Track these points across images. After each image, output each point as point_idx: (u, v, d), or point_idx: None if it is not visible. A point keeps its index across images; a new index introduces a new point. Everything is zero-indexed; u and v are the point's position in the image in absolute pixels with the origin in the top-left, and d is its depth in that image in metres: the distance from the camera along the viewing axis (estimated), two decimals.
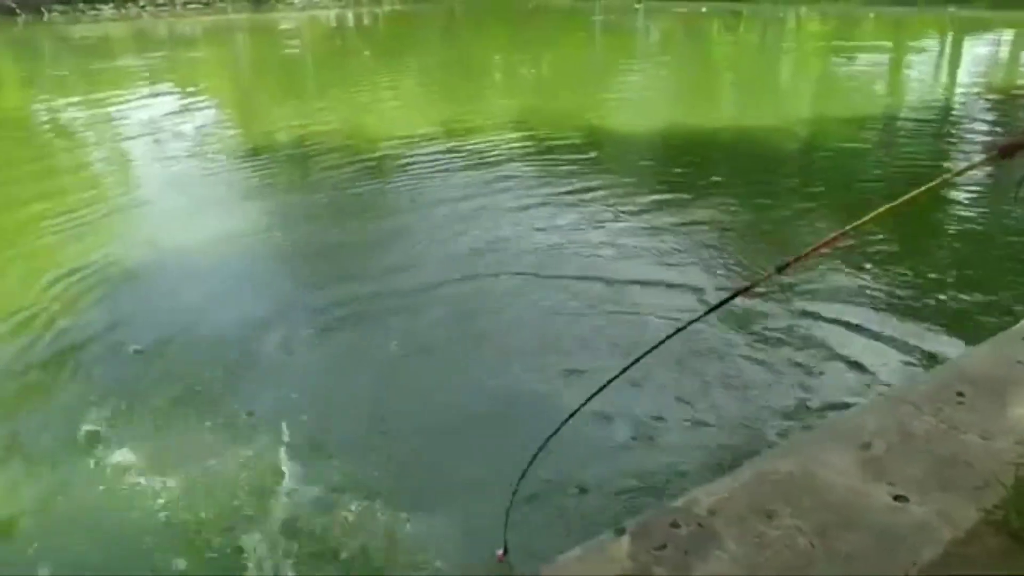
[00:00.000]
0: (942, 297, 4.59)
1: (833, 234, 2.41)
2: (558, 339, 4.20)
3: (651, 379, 3.65)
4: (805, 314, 4.38)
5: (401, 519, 2.83)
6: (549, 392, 3.66)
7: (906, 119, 10.57)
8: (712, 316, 3.50)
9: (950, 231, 5.88)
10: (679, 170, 8.11)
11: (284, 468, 3.14)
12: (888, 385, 3.50)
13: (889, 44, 20.45)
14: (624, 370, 2.42)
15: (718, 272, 5.09)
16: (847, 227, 2.41)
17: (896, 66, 16.59)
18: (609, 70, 17.34)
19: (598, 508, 2.84)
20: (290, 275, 5.48)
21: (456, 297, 4.79)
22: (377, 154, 8.81)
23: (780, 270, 2.43)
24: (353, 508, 2.89)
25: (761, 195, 6.81)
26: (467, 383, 3.85)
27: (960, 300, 4.55)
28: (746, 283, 2.72)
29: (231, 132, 11.12)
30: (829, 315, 4.34)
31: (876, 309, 4.43)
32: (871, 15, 25.11)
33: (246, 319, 4.55)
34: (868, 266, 5.00)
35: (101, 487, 3.09)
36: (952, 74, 15.24)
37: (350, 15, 34.59)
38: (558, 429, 2.42)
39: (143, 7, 34.45)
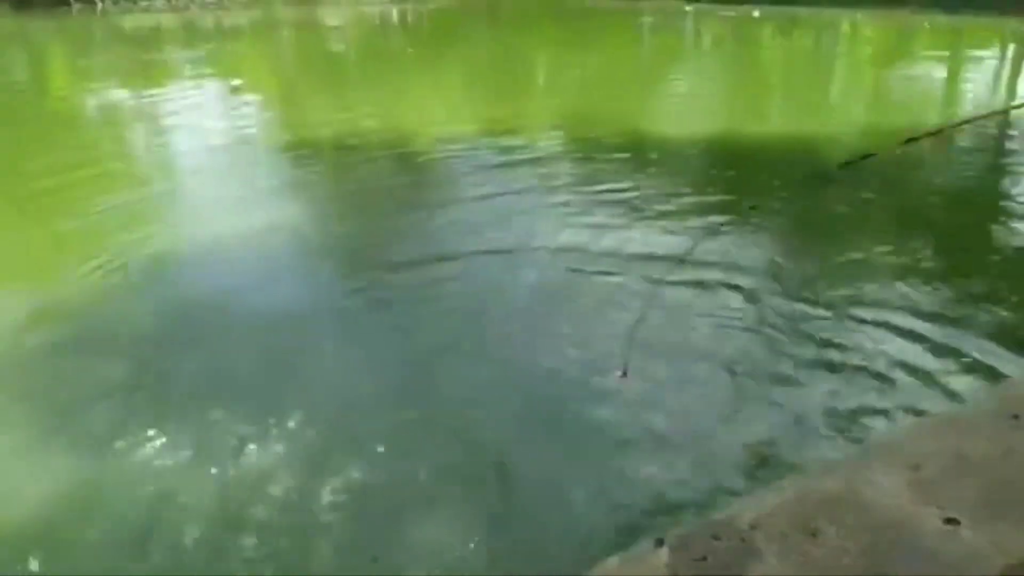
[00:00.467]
0: (1000, 312, 4.43)
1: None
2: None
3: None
4: (856, 320, 4.28)
5: None
6: None
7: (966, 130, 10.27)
8: (763, 318, 3.52)
9: (1011, 245, 5.70)
10: (727, 175, 7.99)
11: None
12: (940, 403, 3.40)
13: (946, 53, 19.92)
14: None
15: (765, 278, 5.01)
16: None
17: (953, 76, 16.13)
18: (656, 73, 17.18)
19: None
20: (327, 263, 5.56)
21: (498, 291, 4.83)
22: (418, 150, 8.86)
23: (908, 142, 2.46)
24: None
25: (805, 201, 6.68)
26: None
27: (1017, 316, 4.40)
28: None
29: (274, 125, 11.27)
30: (881, 323, 4.23)
31: (932, 322, 4.29)
32: (926, 24, 24.47)
33: (288, 306, 4.63)
34: (923, 278, 4.87)
35: (132, 476, 3.12)
36: (1011, 85, 14.78)
37: (395, 12, 34.85)
38: None
39: (193, 0, 35.20)
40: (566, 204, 6.57)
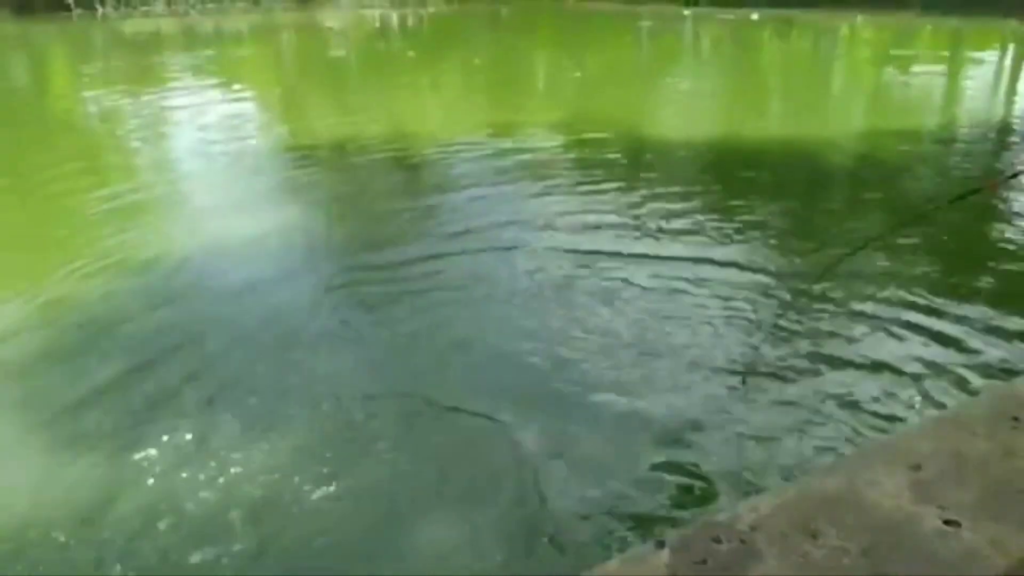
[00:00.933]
0: (1004, 312, 4.43)
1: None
2: None
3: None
4: (860, 316, 4.31)
5: None
6: None
7: (963, 133, 10.28)
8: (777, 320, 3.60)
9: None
10: (727, 177, 8.00)
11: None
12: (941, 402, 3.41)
13: (946, 54, 19.94)
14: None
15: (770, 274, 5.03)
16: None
17: (953, 77, 16.14)
18: (654, 76, 17.20)
19: None
20: (327, 263, 5.58)
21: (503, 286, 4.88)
22: (418, 152, 8.88)
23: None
24: None
25: (806, 204, 6.69)
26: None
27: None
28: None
29: (273, 128, 11.28)
30: (888, 320, 4.26)
31: (940, 318, 4.32)
32: (928, 26, 24.49)
33: (293, 301, 4.67)
34: (932, 281, 4.90)
35: (149, 471, 3.13)
36: (1012, 87, 14.78)
37: (394, 16, 34.91)
38: None
39: (192, 5, 35.26)
40: (566, 204, 6.58)
